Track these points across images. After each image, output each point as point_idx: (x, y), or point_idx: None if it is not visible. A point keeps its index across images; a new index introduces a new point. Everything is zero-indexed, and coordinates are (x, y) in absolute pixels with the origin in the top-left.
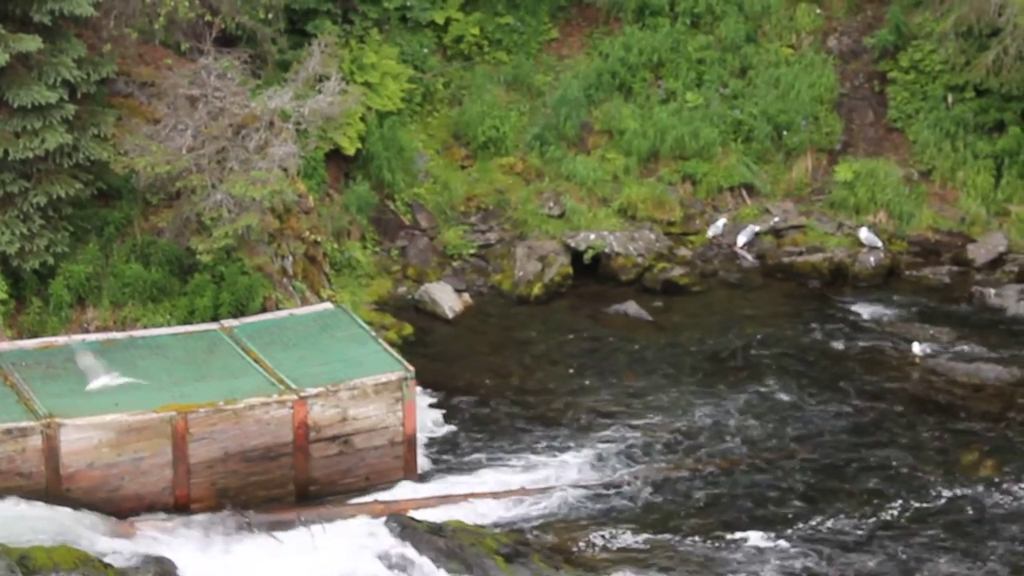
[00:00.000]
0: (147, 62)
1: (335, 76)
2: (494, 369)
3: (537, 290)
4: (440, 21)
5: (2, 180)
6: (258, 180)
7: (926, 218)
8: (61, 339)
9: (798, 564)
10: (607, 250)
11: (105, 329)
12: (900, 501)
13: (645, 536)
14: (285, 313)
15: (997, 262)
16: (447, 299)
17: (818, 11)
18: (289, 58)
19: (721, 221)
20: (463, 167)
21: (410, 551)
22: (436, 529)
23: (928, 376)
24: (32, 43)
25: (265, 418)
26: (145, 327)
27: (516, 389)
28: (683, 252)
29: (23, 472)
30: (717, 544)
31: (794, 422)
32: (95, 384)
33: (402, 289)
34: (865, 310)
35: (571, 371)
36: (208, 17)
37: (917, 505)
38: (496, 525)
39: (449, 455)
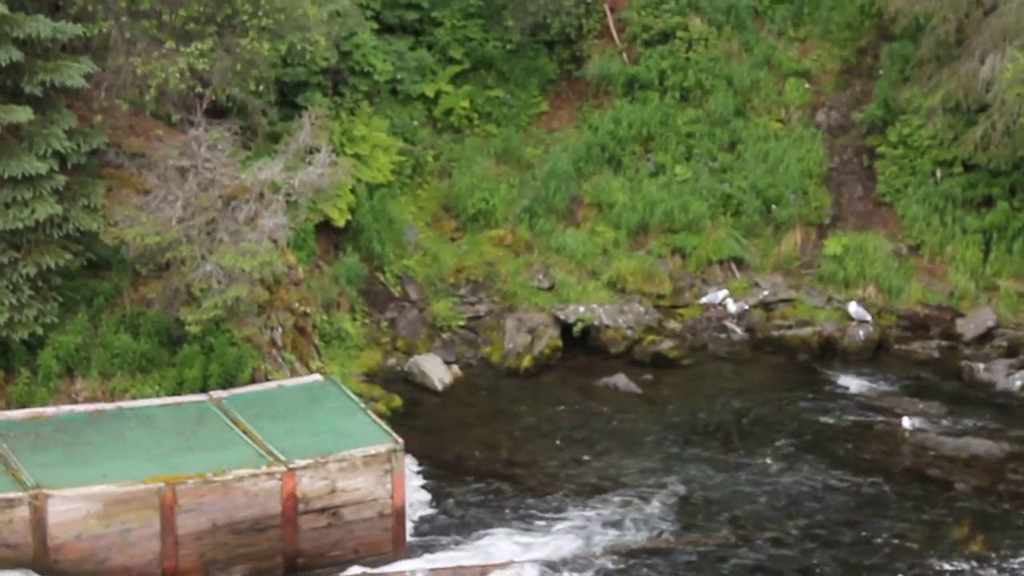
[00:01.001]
0: (138, 133)
1: (325, 148)
2: (483, 441)
3: (527, 362)
4: (430, 94)
5: None
6: (248, 251)
7: (915, 292)
8: (50, 410)
9: None
10: (596, 323)
11: (94, 400)
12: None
13: None
14: (274, 384)
15: (986, 337)
16: (436, 371)
17: (807, 86)
18: (279, 130)
19: (722, 292)
20: (453, 239)
21: None
22: None
23: (918, 450)
24: (23, 114)
25: (254, 490)
26: (134, 398)
27: (505, 461)
28: (672, 325)
29: (10, 543)
30: None
31: (783, 496)
32: None
33: (391, 361)
34: (854, 384)
35: (560, 444)
36: (199, 89)
37: None
38: None
39: (438, 528)
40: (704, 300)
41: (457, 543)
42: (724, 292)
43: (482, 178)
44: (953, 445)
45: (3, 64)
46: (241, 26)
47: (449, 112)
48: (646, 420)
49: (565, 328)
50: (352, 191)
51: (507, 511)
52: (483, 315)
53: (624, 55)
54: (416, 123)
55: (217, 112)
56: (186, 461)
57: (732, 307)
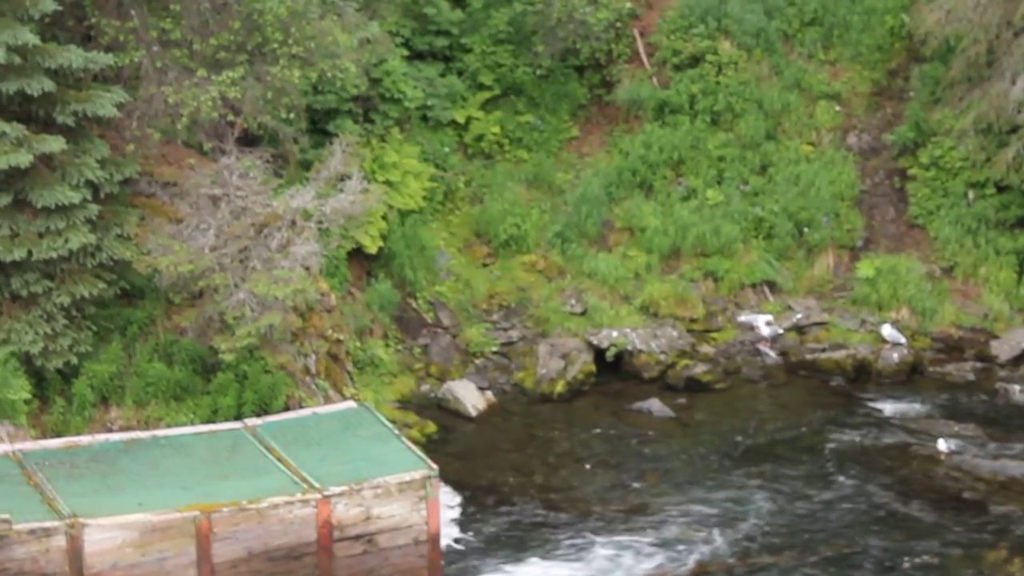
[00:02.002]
0: (170, 162)
1: (357, 175)
2: (517, 467)
3: (560, 388)
4: (461, 120)
5: (26, 280)
6: (280, 279)
7: (949, 314)
8: (85, 439)
9: None
10: (630, 347)
11: (128, 428)
12: None
13: None
14: (308, 412)
15: (1021, 358)
16: (470, 397)
17: (837, 108)
18: (311, 157)
19: (763, 317)
20: (485, 265)
21: None
22: None
23: (953, 473)
24: (56, 144)
25: (289, 517)
26: (168, 426)
27: (539, 487)
28: (706, 349)
29: (47, 572)
30: None
31: (818, 519)
32: None
33: (425, 387)
34: (889, 407)
35: (594, 469)
36: (230, 117)
37: None
38: None
39: (473, 554)
40: (742, 319)
41: (492, 569)
42: (766, 316)
43: (513, 204)
44: (989, 467)
45: (35, 94)
46: (272, 54)
47: (480, 138)
48: (680, 444)
49: (598, 353)
50: (384, 218)
51: (541, 537)
52: (516, 341)
53: (654, 79)
54: (447, 149)
55: (248, 140)
56: (221, 489)
57: (765, 331)
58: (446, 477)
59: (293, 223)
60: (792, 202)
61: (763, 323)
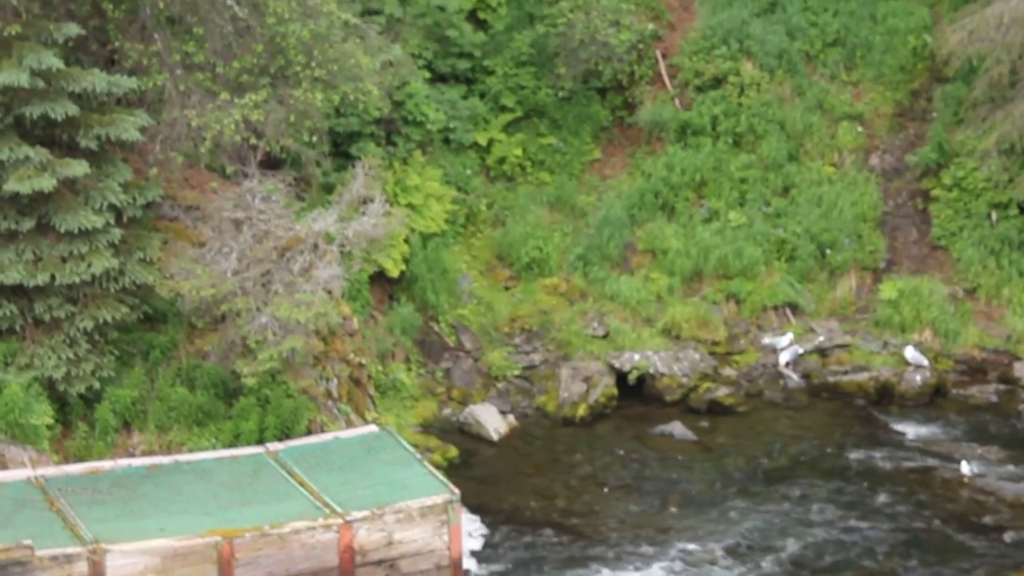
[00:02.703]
0: (192, 186)
1: (379, 198)
2: (539, 491)
3: (582, 411)
4: (483, 142)
5: (49, 305)
6: (303, 303)
7: (972, 336)
8: (107, 464)
9: None
10: (652, 370)
11: (151, 453)
12: None
13: None
14: (330, 436)
15: None
16: (492, 421)
17: (860, 129)
18: (333, 180)
19: (786, 337)
20: (507, 288)
21: None
22: None
23: (977, 496)
24: (79, 168)
25: (311, 542)
26: (190, 451)
27: (562, 511)
28: (728, 372)
29: None
30: None
31: (842, 543)
32: None
33: (447, 411)
34: (912, 429)
35: (617, 493)
36: (253, 141)
37: None
38: None
39: None
40: (767, 341)
41: None
42: (789, 337)
43: (536, 226)
44: (1013, 490)
45: (59, 118)
46: (294, 77)
47: (502, 160)
48: (703, 468)
49: (620, 376)
50: (406, 241)
51: (564, 562)
52: (538, 364)
53: (676, 101)
54: (469, 172)
55: (271, 163)
56: (243, 514)
57: (787, 353)
58: (468, 502)
59: (315, 246)
60: (814, 224)
61: (787, 343)
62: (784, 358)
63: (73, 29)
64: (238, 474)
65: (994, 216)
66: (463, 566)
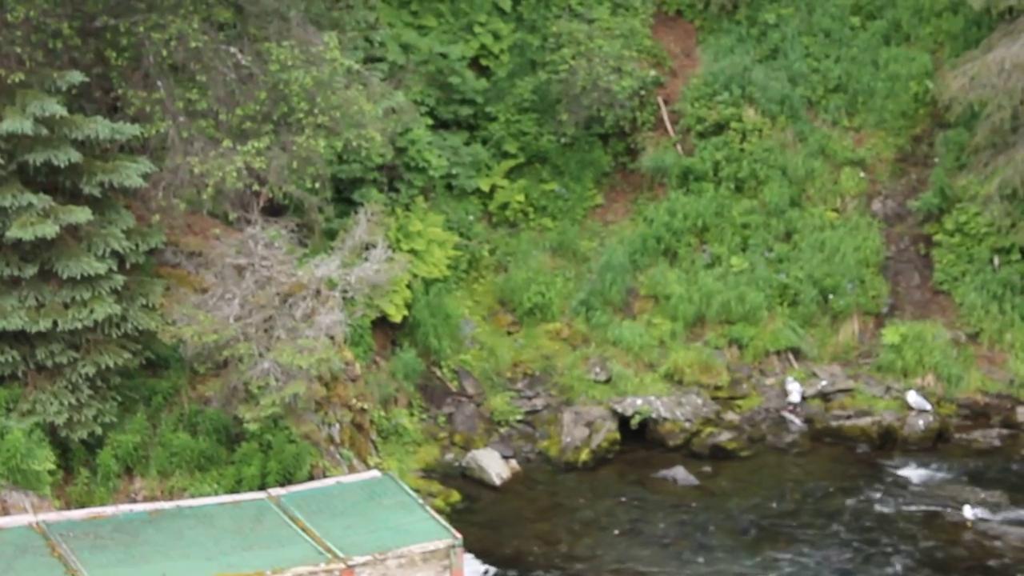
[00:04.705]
0: (195, 232)
1: (381, 244)
2: (542, 536)
3: (584, 456)
4: (485, 188)
5: (51, 351)
6: (305, 348)
7: (975, 381)
8: (109, 509)
9: None
10: (654, 415)
11: (153, 499)
12: None
13: None
14: (332, 481)
15: None
16: (494, 466)
17: (862, 175)
18: (336, 226)
19: (795, 384)
20: (509, 333)
21: None
22: None
23: (980, 540)
24: (82, 214)
25: None
26: (192, 496)
27: (564, 556)
28: (730, 417)
29: None
30: None
31: None
32: None
33: (449, 456)
34: (915, 474)
35: (619, 538)
36: (255, 187)
37: None
38: None
39: None
40: (767, 384)
41: None
42: (797, 384)
43: (538, 272)
44: (1016, 534)
45: (62, 165)
46: (297, 124)
47: (504, 206)
48: (706, 513)
49: (623, 421)
50: (408, 286)
51: None
52: (540, 409)
53: (678, 147)
54: (471, 218)
55: (274, 210)
56: (245, 559)
57: (796, 392)
58: (470, 546)
59: (318, 292)
60: (817, 269)
61: (794, 391)
62: (794, 397)
63: (76, 77)
64: (240, 519)
65: (996, 261)
66: None
